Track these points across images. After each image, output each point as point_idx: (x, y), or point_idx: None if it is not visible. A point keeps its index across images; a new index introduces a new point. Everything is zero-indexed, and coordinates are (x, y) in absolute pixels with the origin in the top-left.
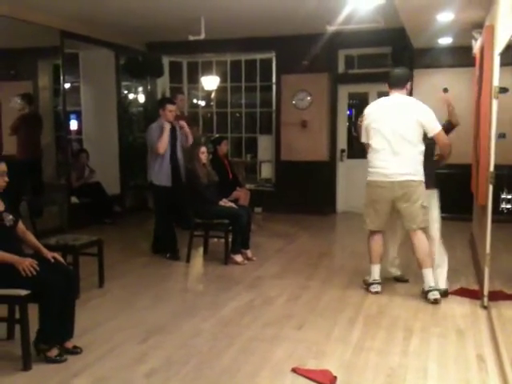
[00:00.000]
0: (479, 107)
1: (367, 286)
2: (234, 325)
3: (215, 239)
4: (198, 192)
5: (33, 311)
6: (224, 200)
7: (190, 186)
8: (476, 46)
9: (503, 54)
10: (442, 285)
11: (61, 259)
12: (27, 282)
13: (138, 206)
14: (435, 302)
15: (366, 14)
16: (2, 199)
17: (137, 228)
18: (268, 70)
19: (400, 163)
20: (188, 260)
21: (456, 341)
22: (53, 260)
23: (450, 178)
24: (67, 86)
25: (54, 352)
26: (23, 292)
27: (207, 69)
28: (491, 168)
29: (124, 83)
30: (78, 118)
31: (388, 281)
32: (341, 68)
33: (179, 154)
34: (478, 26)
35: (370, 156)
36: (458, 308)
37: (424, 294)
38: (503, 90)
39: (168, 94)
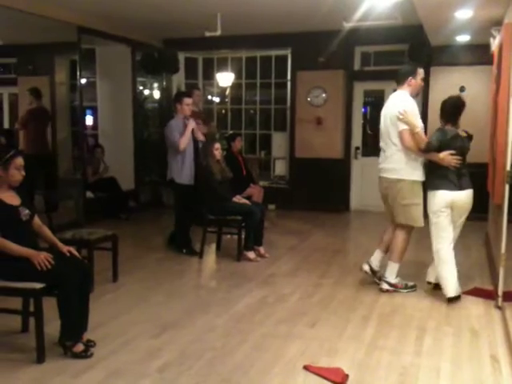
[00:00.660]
0: (496, 106)
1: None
2: (247, 321)
3: (228, 236)
4: (211, 188)
5: (47, 304)
6: (237, 197)
7: (204, 183)
8: (494, 43)
9: None
10: (449, 293)
11: (76, 253)
12: (42, 276)
13: (152, 201)
14: (381, 290)
15: (384, 10)
16: (17, 193)
17: (151, 223)
18: (283, 66)
19: (385, 160)
20: (201, 256)
21: (469, 341)
22: (68, 254)
23: None
24: (83, 81)
25: (79, 347)
26: (38, 285)
27: (222, 65)
28: (508, 167)
29: (140, 79)
30: (94, 114)
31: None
32: (357, 65)
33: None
34: (497, 23)
35: None
36: (472, 308)
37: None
38: None
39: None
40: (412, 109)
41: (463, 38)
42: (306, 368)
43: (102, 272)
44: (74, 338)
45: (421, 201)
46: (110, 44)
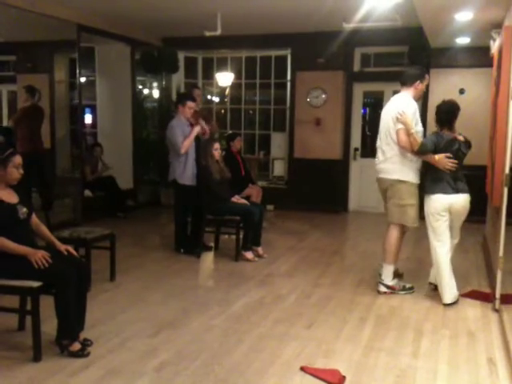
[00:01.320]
0: (496, 108)
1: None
2: (245, 321)
3: (226, 236)
4: (210, 188)
5: (44, 303)
6: (236, 197)
7: (203, 183)
8: (494, 46)
9: None
10: (445, 300)
11: (73, 252)
12: (40, 274)
13: (150, 200)
14: (378, 292)
15: (384, 12)
16: (15, 192)
17: (149, 222)
18: (283, 66)
19: (384, 161)
20: (199, 256)
21: (467, 343)
22: (66, 252)
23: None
24: (83, 79)
25: (76, 346)
26: (35, 284)
27: (222, 65)
28: (507, 170)
29: (139, 78)
30: (93, 112)
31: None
32: (356, 66)
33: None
34: (497, 26)
35: None
36: (470, 310)
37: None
38: None
39: (182, 90)
40: (413, 112)
41: (463, 41)
42: (302, 369)
43: (100, 271)
44: (70, 337)
45: (417, 202)
46: (109, 42)
